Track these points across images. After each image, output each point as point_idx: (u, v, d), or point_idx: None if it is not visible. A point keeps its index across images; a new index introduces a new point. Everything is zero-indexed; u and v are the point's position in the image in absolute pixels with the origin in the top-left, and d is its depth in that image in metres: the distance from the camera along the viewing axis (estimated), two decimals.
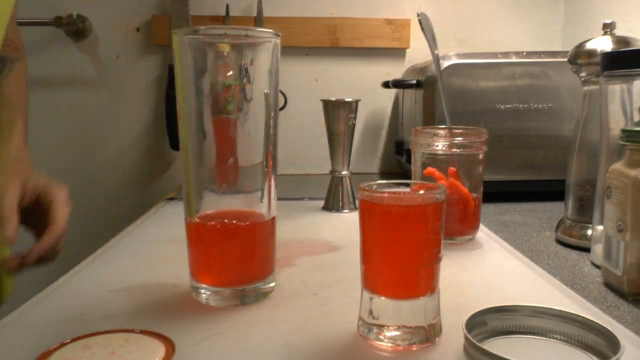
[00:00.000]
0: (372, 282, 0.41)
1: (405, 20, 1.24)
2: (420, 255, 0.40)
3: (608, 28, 0.67)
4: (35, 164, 1.26)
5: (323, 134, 0.85)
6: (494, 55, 0.94)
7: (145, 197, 1.28)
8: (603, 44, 0.65)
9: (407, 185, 0.44)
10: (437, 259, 0.40)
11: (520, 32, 1.28)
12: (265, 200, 0.50)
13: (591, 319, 0.40)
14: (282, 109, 1.26)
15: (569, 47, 0.70)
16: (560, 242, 0.69)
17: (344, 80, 1.28)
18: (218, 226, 0.50)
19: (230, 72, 0.48)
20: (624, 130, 0.52)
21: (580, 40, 0.68)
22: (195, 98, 0.47)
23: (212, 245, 0.49)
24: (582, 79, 0.68)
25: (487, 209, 0.87)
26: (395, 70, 1.27)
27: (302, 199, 0.94)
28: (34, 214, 0.55)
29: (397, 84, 1.06)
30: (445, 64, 0.91)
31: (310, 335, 0.42)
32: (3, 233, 0.50)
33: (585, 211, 0.67)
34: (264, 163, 0.49)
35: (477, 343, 0.37)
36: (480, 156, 0.66)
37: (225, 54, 0.47)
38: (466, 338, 0.38)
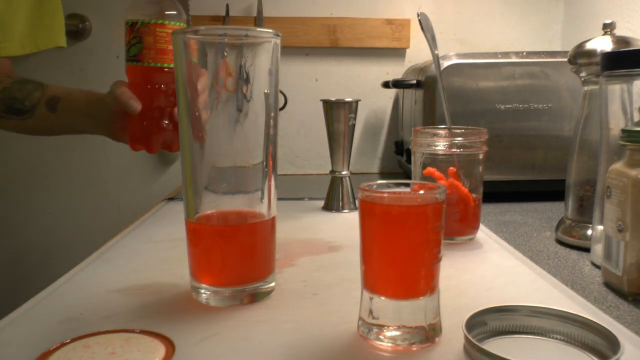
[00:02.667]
0: (372, 282, 0.41)
1: (405, 20, 1.24)
2: (420, 255, 0.40)
3: (608, 28, 0.67)
4: (35, 164, 1.26)
5: (323, 134, 0.85)
6: (494, 55, 0.94)
7: (145, 197, 1.28)
8: (603, 44, 0.65)
9: (407, 185, 0.44)
10: (437, 259, 0.40)
11: (520, 32, 1.28)
12: (265, 200, 0.50)
13: (591, 319, 0.40)
14: (282, 109, 1.26)
15: (569, 47, 0.70)
16: (560, 242, 0.69)
17: (344, 80, 1.28)
18: (218, 226, 0.50)
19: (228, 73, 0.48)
20: (624, 130, 0.52)
21: (580, 40, 0.68)
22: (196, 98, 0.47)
23: (212, 245, 0.49)
24: (582, 79, 0.68)
25: (487, 209, 0.87)
26: (395, 70, 1.27)
27: (302, 199, 0.94)
28: None
29: (397, 84, 1.06)
30: (445, 64, 0.91)
31: (310, 335, 0.42)
32: (131, 106, 0.64)
33: (585, 211, 0.67)
34: (264, 163, 0.49)
35: (477, 343, 0.37)
36: (480, 156, 0.66)
37: (225, 54, 0.47)
38: (466, 338, 0.38)
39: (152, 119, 0.67)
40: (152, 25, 0.64)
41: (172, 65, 0.64)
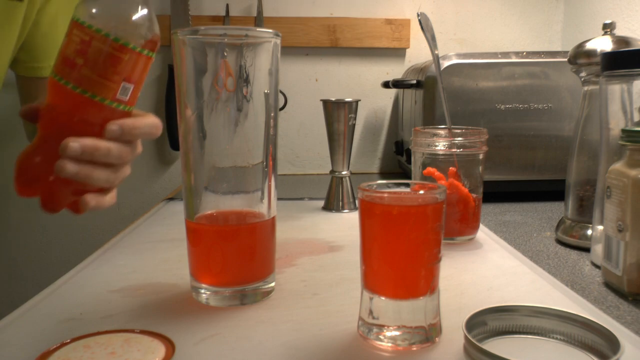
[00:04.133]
0: (372, 282, 0.41)
1: (405, 20, 1.24)
2: (420, 255, 0.40)
3: (608, 28, 0.67)
4: None
5: (323, 134, 0.85)
6: (494, 55, 0.94)
7: (145, 197, 1.28)
8: (603, 44, 0.65)
9: (407, 185, 0.44)
10: (437, 259, 0.40)
11: (520, 32, 1.28)
12: (265, 200, 0.50)
13: (591, 319, 0.40)
14: (282, 109, 1.26)
15: (569, 47, 0.71)
16: (560, 242, 0.69)
17: (344, 80, 1.28)
18: (218, 226, 0.50)
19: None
20: (624, 130, 0.52)
21: (580, 40, 0.68)
22: (195, 98, 0.47)
23: (212, 245, 0.49)
24: (582, 79, 0.68)
25: (487, 209, 0.87)
26: (395, 70, 1.27)
27: (302, 199, 0.94)
28: None
29: (397, 84, 1.06)
30: (445, 64, 0.91)
31: (310, 335, 0.42)
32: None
33: (585, 211, 0.67)
34: (264, 163, 0.49)
35: (477, 343, 0.37)
36: (480, 156, 0.66)
37: (225, 54, 0.47)
38: (466, 338, 0.38)
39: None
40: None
41: (105, 102, 0.43)
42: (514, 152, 0.92)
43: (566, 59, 0.70)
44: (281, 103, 1.25)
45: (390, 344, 0.40)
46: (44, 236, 1.27)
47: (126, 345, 0.39)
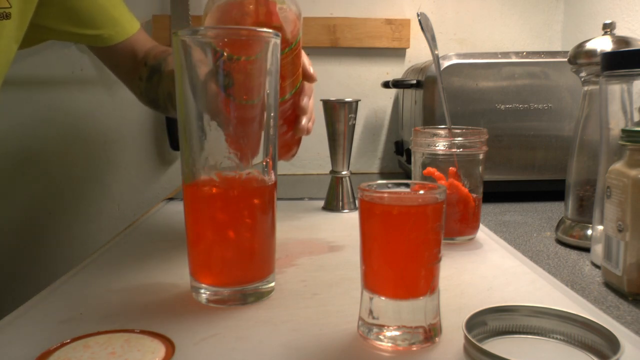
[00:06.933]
0: (372, 282, 0.41)
1: (405, 20, 1.24)
2: (420, 255, 0.40)
3: (608, 28, 0.67)
4: (35, 165, 1.26)
5: (323, 134, 0.85)
6: (494, 55, 0.94)
7: (145, 197, 1.28)
8: (603, 44, 0.65)
9: (407, 185, 0.44)
10: (437, 259, 0.40)
11: (520, 32, 1.28)
12: None
13: (591, 319, 0.40)
14: None
15: (569, 47, 0.71)
16: (560, 242, 0.69)
17: (344, 80, 1.28)
18: (218, 226, 0.50)
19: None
20: (624, 130, 0.52)
21: (580, 40, 0.68)
22: (196, 98, 0.47)
23: (212, 245, 0.49)
24: (582, 79, 0.68)
25: (487, 209, 0.87)
26: (395, 70, 1.27)
27: (302, 199, 0.94)
28: None
29: (397, 84, 1.06)
30: (445, 64, 0.91)
31: (310, 335, 0.42)
32: None
33: (585, 211, 0.67)
34: (264, 163, 0.49)
35: (477, 343, 0.37)
36: (480, 156, 0.66)
37: (225, 54, 0.47)
38: (466, 338, 0.38)
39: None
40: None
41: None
42: (514, 152, 0.92)
43: (566, 59, 0.70)
44: None
45: (390, 344, 0.40)
46: (44, 236, 1.27)
47: (126, 345, 0.39)
